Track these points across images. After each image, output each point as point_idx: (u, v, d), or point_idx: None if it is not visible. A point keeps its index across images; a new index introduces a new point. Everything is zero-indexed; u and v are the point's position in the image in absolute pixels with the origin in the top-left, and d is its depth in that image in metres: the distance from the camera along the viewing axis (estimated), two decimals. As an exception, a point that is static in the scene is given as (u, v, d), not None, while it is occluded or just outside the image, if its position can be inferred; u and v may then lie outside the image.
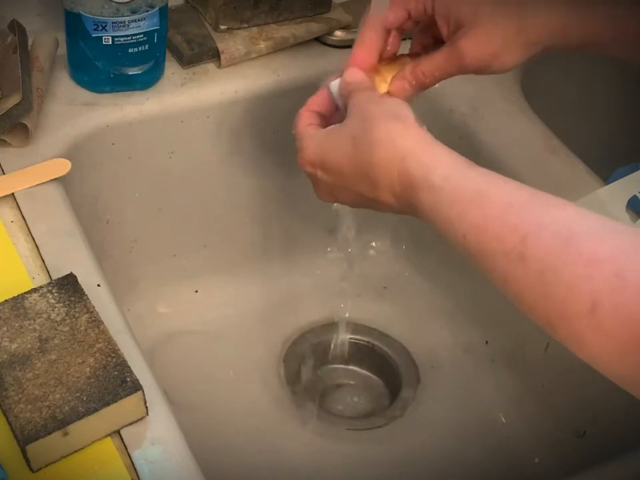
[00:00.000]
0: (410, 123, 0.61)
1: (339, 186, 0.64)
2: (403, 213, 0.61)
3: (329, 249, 1.00)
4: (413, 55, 0.71)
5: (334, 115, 0.68)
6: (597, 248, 0.48)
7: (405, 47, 0.73)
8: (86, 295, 0.62)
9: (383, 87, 0.69)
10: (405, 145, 0.59)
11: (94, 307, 0.61)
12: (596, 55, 1.06)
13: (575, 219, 0.51)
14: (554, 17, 0.68)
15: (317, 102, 0.68)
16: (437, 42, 0.70)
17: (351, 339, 0.98)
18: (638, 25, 0.69)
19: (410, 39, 0.74)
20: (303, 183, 0.96)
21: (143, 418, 0.59)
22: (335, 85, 0.68)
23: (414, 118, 0.61)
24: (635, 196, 0.77)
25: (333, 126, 0.65)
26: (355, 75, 0.68)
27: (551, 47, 0.69)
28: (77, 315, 0.60)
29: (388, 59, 0.70)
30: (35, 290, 0.62)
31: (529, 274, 0.50)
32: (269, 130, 0.91)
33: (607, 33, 0.69)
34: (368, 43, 0.69)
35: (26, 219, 0.71)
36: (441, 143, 0.59)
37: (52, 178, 0.74)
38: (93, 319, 0.60)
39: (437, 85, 0.80)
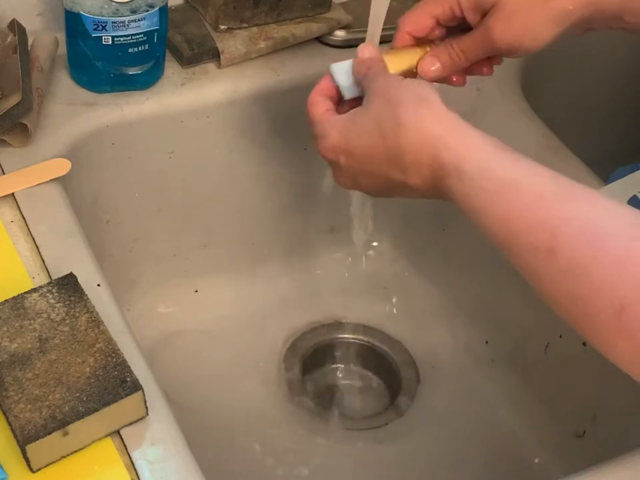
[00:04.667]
0: (438, 106, 0.59)
1: (364, 172, 0.63)
2: (431, 197, 0.60)
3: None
4: (424, 46, 0.71)
5: (340, 102, 0.68)
6: (626, 248, 0.48)
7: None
8: (86, 294, 0.62)
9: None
10: (435, 130, 0.58)
11: (94, 306, 0.61)
12: (596, 54, 1.07)
13: (605, 214, 0.50)
14: None
15: (326, 87, 0.67)
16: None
17: (351, 339, 0.98)
18: None
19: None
20: (304, 183, 0.96)
21: (143, 418, 0.59)
22: (338, 67, 0.67)
23: (441, 100, 0.60)
24: (634, 196, 0.77)
25: (354, 110, 0.63)
26: (369, 50, 0.67)
27: (585, 19, 0.67)
28: (77, 314, 0.60)
29: (399, 47, 0.70)
30: (34, 290, 0.62)
31: (556, 271, 0.50)
32: (269, 130, 0.91)
33: None
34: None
35: (26, 219, 0.71)
36: (471, 126, 0.58)
37: (52, 178, 0.74)
38: (93, 318, 0.60)
39: (436, 85, 0.81)
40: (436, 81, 0.71)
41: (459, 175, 0.56)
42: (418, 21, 0.69)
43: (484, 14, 0.67)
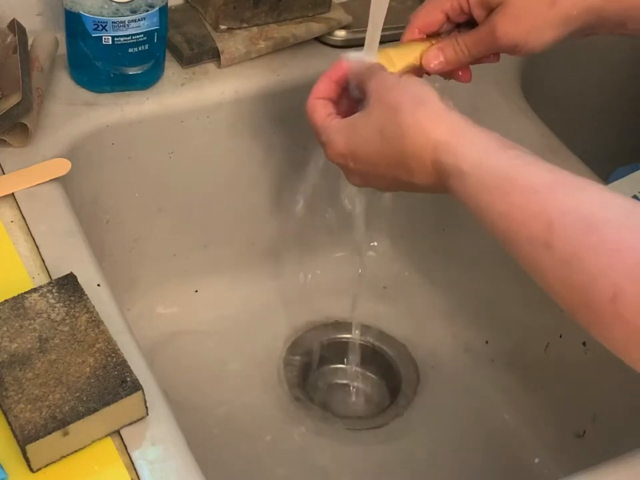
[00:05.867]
0: (437, 106, 0.60)
1: (373, 173, 0.64)
2: (440, 193, 0.61)
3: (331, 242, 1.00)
4: (430, 40, 0.71)
5: (342, 97, 0.68)
6: (620, 237, 0.48)
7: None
8: (86, 294, 0.62)
9: (389, 69, 0.68)
10: (435, 132, 0.59)
11: (94, 306, 0.61)
12: (595, 54, 1.07)
13: (599, 205, 0.51)
14: None
15: (323, 89, 0.68)
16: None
17: (351, 339, 0.98)
18: None
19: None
20: (304, 183, 0.96)
21: (143, 418, 0.59)
22: (354, 56, 0.68)
23: (439, 99, 0.61)
24: (634, 196, 0.77)
25: (356, 115, 0.64)
26: (354, 61, 0.67)
27: (588, 25, 0.68)
28: (76, 314, 0.60)
29: (405, 42, 0.71)
30: (34, 290, 0.62)
31: (554, 261, 0.51)
32: (269, 130, 0.91)
33: None
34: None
35: (26, 219, 0.71)
36: (470, 124, 0.59)
37: (52, 178, 0.74)
38: (93, 318, 0.60)
39: (436, 84, 0.81)
40: (441, 75, 0.72)
41: (459, 173, 0.57)
42: (428, 15, 0.71)
43: (490, 11, 0.68)
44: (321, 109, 0.66)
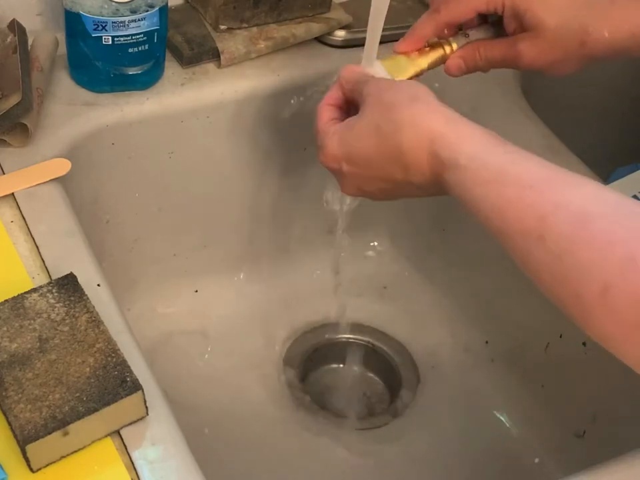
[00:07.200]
0: (432, 102, 0.61)
1: (367, 176, 0.64)
2: (434, 194, 0.61)
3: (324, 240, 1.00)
4: (428, 53, 0.72)
5: (349, 110, 0.68)
6: (611, 231, 0.49)
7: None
8: (86, 294, 0.62)
9: (399, 75, 0.70)
10: (431, 125, 0.59)
11: (94, 306, 0.61)
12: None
13: (592, 200, 0.51)
14: (620, 34, 0.68)
15: (335, 97, 0.68)
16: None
17: (351, 339, 0.98)
18: None
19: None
20: (304, 183, 0.96)
21: (142, 418, 0.59)
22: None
23: (435, 97, 0.61)
24: (635, 196, 0.77)
25: (350, 118, 0.64)
26: (351, 71, 0.68)
27: (614, 58, 0.71)
28: (76, 314, 0.60)
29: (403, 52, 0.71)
30: (34, 290, 0.62)
31: (546, 255, 0.51)
32: (269, 130, 0.91)
33: None
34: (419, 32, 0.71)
35: (26, 219, 0.71)
36: (466, 120, 0.59)
37: (52, 178, 0.74)
38: (93, 318, 0.60)
39: (436, 84, 0.81)
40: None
41: (455, 166, 0.57)
42: (462, 11, 0.71)
43: (520, 28, 0.69)
44: (325, 114, 0.67)
